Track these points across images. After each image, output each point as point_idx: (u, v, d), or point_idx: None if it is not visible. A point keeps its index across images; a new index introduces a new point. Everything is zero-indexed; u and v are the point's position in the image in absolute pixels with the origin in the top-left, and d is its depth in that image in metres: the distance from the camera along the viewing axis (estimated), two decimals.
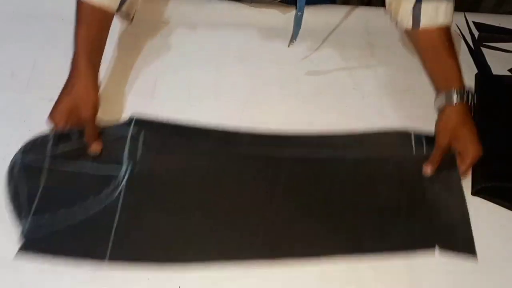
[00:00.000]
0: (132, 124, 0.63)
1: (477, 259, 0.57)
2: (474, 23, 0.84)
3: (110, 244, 0.55)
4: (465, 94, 0.64)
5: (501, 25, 0.83)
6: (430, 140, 0.65)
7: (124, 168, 0.60)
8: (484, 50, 0.80)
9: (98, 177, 0.59)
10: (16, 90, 0.68)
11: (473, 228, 0.60)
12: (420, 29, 0.67)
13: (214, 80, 0.72)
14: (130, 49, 0.75)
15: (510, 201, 0.62)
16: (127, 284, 0.53)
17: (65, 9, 0.78)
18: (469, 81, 0.75)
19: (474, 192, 0.63)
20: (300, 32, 0.74)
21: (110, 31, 0.67)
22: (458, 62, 0.66)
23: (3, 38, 0.75)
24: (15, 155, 0.59)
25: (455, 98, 0.63)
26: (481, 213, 0.61)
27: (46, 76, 0.70)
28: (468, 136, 0.63)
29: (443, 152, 0.63)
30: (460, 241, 0.59)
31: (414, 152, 0.65)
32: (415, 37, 0.70)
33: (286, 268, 0.55)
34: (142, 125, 0.63)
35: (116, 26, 0.78)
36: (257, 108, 0.70)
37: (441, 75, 0.67)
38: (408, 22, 0.68)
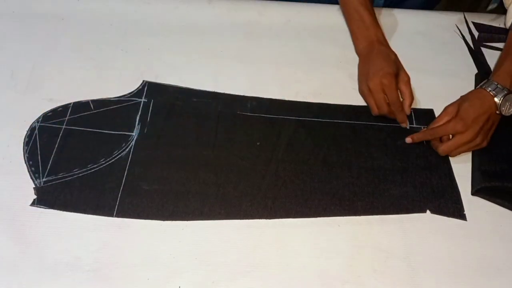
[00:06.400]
0: (145, 88, 0.69)
1: (466, 220, 0.61)
2: (474, 23, 0.84)
3: (119, 196, 0.59)
4: (502, 91, 0.64)
5: (501, 25, 0.83)
6: (417, 112, 0.71)
7: (135, 129, 0.65)
8: (484, 50, 0.80)
9: (111, 135, 0.64)
10: (16, 90, 0.68)
11: (473, 228, 0.60)
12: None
13: (214, 80, 0.72)
14: (130, 49, 0.75)
15: (510, 201, 0.62)
16: (127, 284, 0.53)
17: (65, 9, 0.79)
18: (469, 81, 0.75)
19: (474, 192, 0.63)
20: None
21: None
22: None
23: (3, 38, 0.75)
24: (36, 119, 0.65)
25: (487, 84, 0.66)
26: (481, 213, 0.62)
27: (46, 76, 0.70)
28: (461, 107, 0.65)
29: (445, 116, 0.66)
30: (450, 205, 0.62)
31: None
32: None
33: (286, 268, 0.55)
34: (154, 89, 0.70)
35: (120, 27, 0.78)
36: None
37: (499, 66, 0.69)
38: (507, 22, 0.79)
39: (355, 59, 0.77)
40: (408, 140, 0.67)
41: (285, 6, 0.83)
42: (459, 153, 0.66)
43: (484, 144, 0.65)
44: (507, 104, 0.65)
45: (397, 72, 0.69)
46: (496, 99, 0.64)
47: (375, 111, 0.69)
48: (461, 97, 0.68)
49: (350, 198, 0.61)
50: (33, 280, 0.52)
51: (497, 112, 0.65)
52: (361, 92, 0.71)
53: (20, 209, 0.57)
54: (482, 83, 0.67)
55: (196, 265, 0.55)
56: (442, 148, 0.65)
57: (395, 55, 0.72)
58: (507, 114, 0.65)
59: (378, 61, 0.70)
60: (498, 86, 0.65)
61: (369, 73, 0.69)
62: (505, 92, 0.64)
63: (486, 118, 0.64)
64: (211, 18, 0.81)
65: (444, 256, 0.58)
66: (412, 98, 0.69)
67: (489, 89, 0.65)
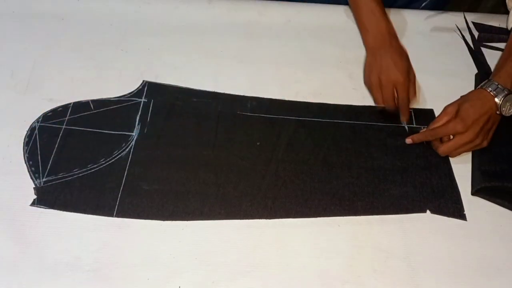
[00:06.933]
0: (145, 88, 0.69)
1: (466, 220, 0.61)
2: (474, 23, 0.84)
3: (119, 196, 0.59)
4: (502, 91, 0.64)
5: (501, 25, 0.83)
6: (417, 112, 0.71)
7: (135, 129, 0.65)
8: (484, 50, 0.80)
9: (111, 135, 0.64)
10: (16, 90, 0.68)
11: (473, 228, 0.60)
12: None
13: (214, 80, 0.72)
14: (130, 49, 0.75)
15: (510, 201, 0.62)
16: (127, 284, 0.53)
17: (65, 9, 0.79)
18: (469, 81, 0.75)
19: (474, 192, 0.63)
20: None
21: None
22: None
23: (3, 38, 0.75)
24: (36, 119, 0.65)
25: (487, 85, 0.66)
26: (481, 213, 0.62)
27: (46, 76, 0.70)
28: (460, 108, 0.65)
29: (445, 116, 0.66)
30: (450, 205, 0.62)
31: (405, 124, 0.70)
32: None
33: (286, 268, 0.55)
34: (154, 89, 0.70)
35: (120, 27, 0.78)
36: None
37: (500, 67, 0.68)
38: (509, 24, 0.79)
39: (355, 59, 0.77)
40: (408, 141, 0.67)
41: (285, 6, 0.83)
42: (459, 154, 0.66)
43: (485, 144, 0.65)
44: (508, 104, 0.64)
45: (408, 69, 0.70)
46: (496, 100, 0.64)
47: (379, 103, 0.69)
48: (461, 97, 0.68)
49: (350, 198, 0.61)
50: (33, 280, 0.52)
51: (498, 112, 0.65)
52: (369, 83, 0.71)
53: (20, 209, 0.57)
54: (483, 83, 0.67)
55: (196, 265, 0.55)
56: (442, 149, 0.65)
57: (406, 51, 0.73)
58: (507, 115, 0.65)
59: (392, 54, 0.70)
60: (499, 86, 0.65)
61: (382, 65, 0.69)
62: (506, 92, 0.64)
63: (487, 119, 0.64)
64: (211, 18, 0.81)
65: (444, 256, 0.58)
66: (415, 96, 0.70)
67: (490, 89, 0.65)
